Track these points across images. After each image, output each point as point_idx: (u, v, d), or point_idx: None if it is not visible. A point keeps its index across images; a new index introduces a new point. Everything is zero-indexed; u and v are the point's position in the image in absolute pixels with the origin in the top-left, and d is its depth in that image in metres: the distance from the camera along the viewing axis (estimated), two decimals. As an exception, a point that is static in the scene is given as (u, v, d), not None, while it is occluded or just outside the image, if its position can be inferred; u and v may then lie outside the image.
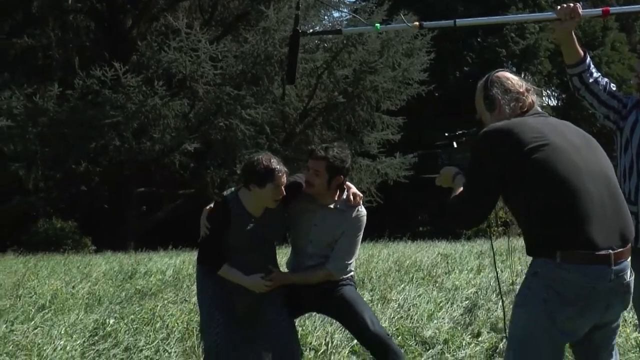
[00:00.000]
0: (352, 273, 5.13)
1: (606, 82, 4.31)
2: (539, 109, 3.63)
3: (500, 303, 7.98)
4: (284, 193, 4.68)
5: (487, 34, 33.82)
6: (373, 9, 22.77)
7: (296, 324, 6.97)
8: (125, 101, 20.44)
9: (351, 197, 5.00)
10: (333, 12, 26.28)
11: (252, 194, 4.70)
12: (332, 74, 22.84)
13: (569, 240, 3.21)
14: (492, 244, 4.66)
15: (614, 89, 4.36)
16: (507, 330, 3.49)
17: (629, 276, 3.33)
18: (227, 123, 21.30)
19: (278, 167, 4.66)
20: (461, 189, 3.58)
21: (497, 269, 9.94)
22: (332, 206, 4.95)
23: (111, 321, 7.21)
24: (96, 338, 6.64)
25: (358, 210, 5.03)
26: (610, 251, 3.23)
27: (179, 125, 21.56)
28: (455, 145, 3.99)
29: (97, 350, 6.20)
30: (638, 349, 5.97)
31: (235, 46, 22.27)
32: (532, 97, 3.61)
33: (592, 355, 3.50)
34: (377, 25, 4.32)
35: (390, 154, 24.41)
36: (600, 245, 3.21)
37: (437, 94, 27.72)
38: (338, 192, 4.98)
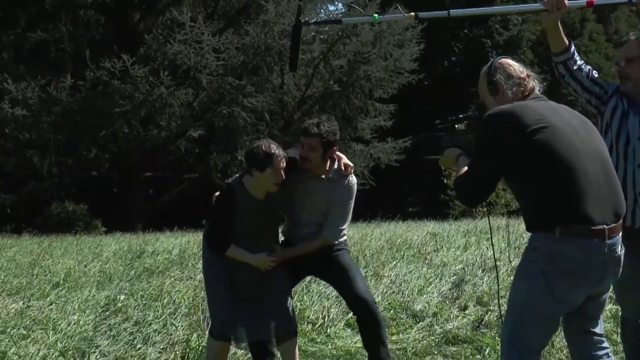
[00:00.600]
0: (345, 237, 5.14)
1: (589, 69, 4.32)
2: (539, 94, 3.66)
3: (485, 278, 8.01)
4: (284, 177, 4.68)
5: (473, 26, 33.78)
6: (367, 2, 22.71)
7: (295, 299, 7.01)
8: (133, 91, 20.44)
9: (342, 167, 5.02)
10: (329, 5, 26.20)
11: (254, 179, 4.71)
12: (328, 64, 22.83)
13: (568, 216, 3.26)
14: (489, 223, 4.67)
15: (596, 75, 4.36)
16: (508, 300, 3.52)
17: (620, 250, 3.38)
18: (229, 111, 21.31)
19: (277, 152, 4.65)
20: (465, 168, 3.61)
21: (487, 246, 9.93)
22: (324, 176, 4.96)
23: (121, 297, 7.22)
24: (107, 313, 6.64)
25: (349, 179, 5.05)
26: (605, 226, 3.28)
27: (183, 113, 21.56)
28: (457, 127, 4.00)
29: (108, 324, 6.21)
30: (613, 320, 6.00)
31: (237, 38, 22.23)
32: (532, 82, 3.65)
33: (583, 325, 3.55)
34: (375, 15, 4.32)
35: (382, 139, 24.44)
36: (596, 221, 3.26)
37: (426, 82, 27.68)
38: (329, 163, 4.99)
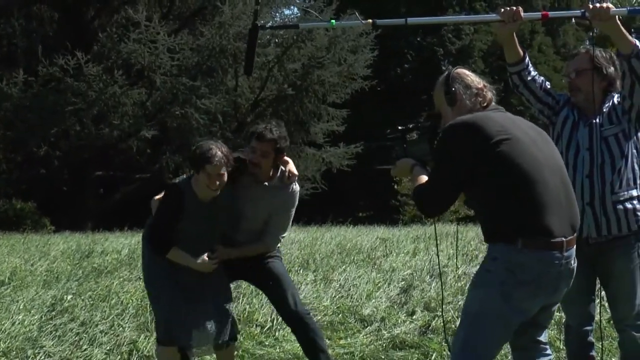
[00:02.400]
0: (279, 244, 5.08)
1: (542, 80, 4.37)
2: (496, 105, 3.67)
3: (433, 284, 8.05)
4: (218, 183, 4.51)
5: (426, 34, 34.03)
6: (323, 7, 22.75)
7: (244, 302, 6.97)
8: (86, 89, 20.21)
9: (287, 174, 4.91)
10: (284, 9, 26.17)
11: (197, 180, 4.57)
12: (283, 68, 22.81)
13: (530, 228, 3.28)
14: (435, 232, 4.67)
15: (549, 86, 4.41)
16: (462, 308, 3.53)
17: (574, 262, 3.40)
18: (182, 112, 21.17)
19: (216, 155, 4.47)
20: (423, 178, 3.60)
21: (435, 252, 10.02)
22: (267, 183, 4.85)
23: (68, 297, 7.10)
24: (53, 313, 6.53)
25: (292, 187, 4.95)
26: (563, 239, 3.31)
27: (136, 112, 21.36)
28: (408, 136, 3.97)
29: (54, 324, 6.10)
30: (556, 326, 6.07)
31: (192, 39, 22.08)
32: (490, 93, 3.65)
33: (532, 333, 3.57)
34: (332, 21, 4.27)
35: (334, 144, 24.49)
36: (556, 233, 3.28)
37: (379, 89, 27.79)
38: (273, 169, 4.90)
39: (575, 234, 3.41)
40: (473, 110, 3.56)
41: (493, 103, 3.65)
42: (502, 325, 3.37)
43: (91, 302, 6.96)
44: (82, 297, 7.15)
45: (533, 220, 3.28)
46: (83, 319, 6.27)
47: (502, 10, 4.02)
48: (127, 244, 12.26)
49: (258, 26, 4.27)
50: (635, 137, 4.23)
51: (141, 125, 21.16)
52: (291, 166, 4.98)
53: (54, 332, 5.92)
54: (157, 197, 4.80)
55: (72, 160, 22.34)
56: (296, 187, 5.00)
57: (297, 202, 5.00)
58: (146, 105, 21.67)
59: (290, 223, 5.04)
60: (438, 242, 4.61)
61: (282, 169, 4.94)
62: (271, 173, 4.88)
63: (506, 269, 3.28)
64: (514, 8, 3.99)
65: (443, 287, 4.85)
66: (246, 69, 5.26)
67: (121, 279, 8.21)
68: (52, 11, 23.89)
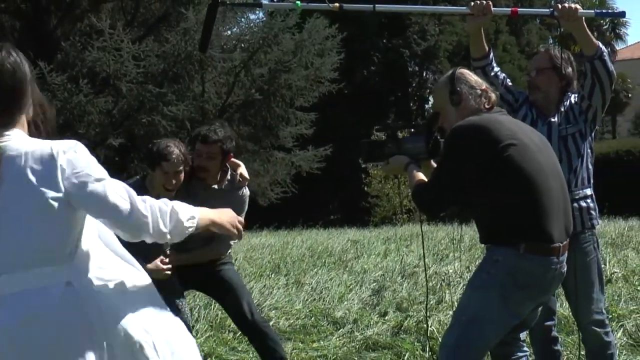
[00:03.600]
0: (230, 251, 5.01)
1: (504, 76, 4.43)
2: (499, 107, 3.70)
3: (405, 284, 8.09)
4: (174, 182, 4.39)
5: (392, 36, 34.18)
6: (288, 12, 22.72)
7: (216, 308, 6.95)
8: (51, 98, 19.98)
9: (239, 177, 4.82)
10: (250, 14, 26.08)
11: (151, 178, 4.43)
12: (249, 73, 22.74)
13: (533, 233, 3.32)
14: (422, 230, 4.69)
15: (510, 84, 4.47)
16: (457, 309, 3.54)
17: (565, 267, 3.47)
18: (149, 119, 21.02)
19: (174, 152, 4.34)
20: (419, 176, 3.61)
21: (406, 253, 10.04)
22: (216, 187, 4.76)
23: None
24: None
25: (243, 190, 4.85)
26: (560, 244, 3.35)
27: (103, 121, 21.18)
28: (399, 134, 3.97)
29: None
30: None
31: (157, 46, 21.95)
32: (494, 95, 3.67)
33: (516, 332, 3.63)
34: (298, 2, 4.21)
35: (303, 148, 24.48)
36: (555, 239, 3.33)
37: (346, 92, 27.86)
38: (221, 172, 4.80)
39: (568, 239, 3.46)
40: (477, 111, 3.57)
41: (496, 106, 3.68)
42: (498, 327, 3.40)
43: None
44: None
45: (536, 225, 3.31)
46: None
47: (473, 3, 4.06)
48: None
49: (218, 2, 4.18)
50: (589, 137, 4.32)
51: (108, 134, 21.01)
52: (243, 169, 4.88)
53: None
54: None
55: (39, 170, 22.10)
56: (246, 190, 4.89)
57: (246, 206, 4.87)
58: (112, 113, 21.50)
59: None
60: (424, 242, 4.63)
61: (232, 172, 4.84)
62: (219, 177, 4.78)
63: (507, 272, 3.31)
64: (484, 2, 4.04)
65: (427, 286, 4.86)
66: (202, 47, 5.14)
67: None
68: (13, 20, 23.61)
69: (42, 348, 2.36)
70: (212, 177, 4.76)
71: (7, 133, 2.58)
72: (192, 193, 4.66)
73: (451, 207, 3.65)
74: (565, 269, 3.48)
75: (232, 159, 4.86)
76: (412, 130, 3.95)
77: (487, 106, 3.62)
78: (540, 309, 3.63)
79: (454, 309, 3.64)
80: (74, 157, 2.62)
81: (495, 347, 3.73)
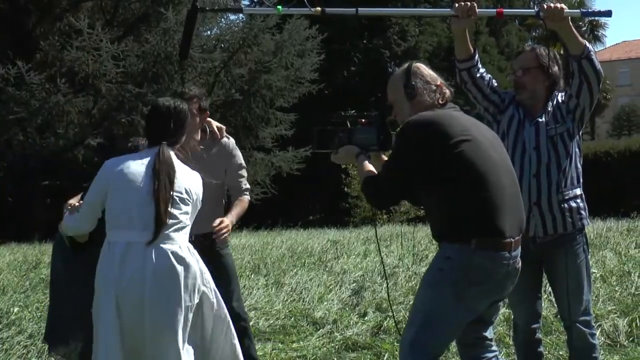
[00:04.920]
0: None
1: (489, 77, 4.40)
2: (452, 104, 3.69)
3: (384, 285, 8.09)
4: None
5: (372, 37, 34.21)
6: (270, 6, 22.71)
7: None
8: (29, 98, 19.88)
9: (216, 130, 4.80)
10: (229, 15, 26.02)
11: None
12: (229, 73, 22.71)
13: (484, 229, 3.32)
14: (376, 231, 4.70)
15: (495, 84, 4.45)
16: (413, 307, 3.54)
17: (519, 261, 3.46)
18: (129, 119, 20.95)
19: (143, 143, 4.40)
20: (368, 167, 3.62)
21: (386, 253, 10.07)
22: (199, 147, 4.69)
23: (15, 309, 6.98)
24: (0, 326, 6.41)
25: (225, 141, 4.83)
26: (512, 239, 3.35)
27: (82, 121, 21.09)
28: (349, 125, 3.96)
29: (1, 337, 5.99)
30: (506, 323, 6.15)
31: (137, 46, 21.87)
32: (448, 91, 3.66)
33: (477, 330, 3.61)
34: (279, 7, 4.18)
35: (283, 148, 24.46)
36: (507, 234, 3.34)
37: (326, 92, 27.87)
38: (200, 133, 4.76)
39: (521, 235, 3.47)
40: (431, 106, 3.57)
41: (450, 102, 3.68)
42: (453, 323, 3.41)
43: (39, 313, 6.85)
44: (30, 309, 7.03)
45: (488, 221, 3.32)
46: (31, 331, 6.16)
47: (457, 5, 4.04)
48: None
49: (197, 8, 4.13)
50: (577, 136, 4.32)
51: (87, 134, 20.90)
52: (216, 123, 4.87)
53: (1, 346, 5.81)
54: (72, 200, 4.56)
55: (17, 170, 21.93)
56: (229, 140, 4.87)
57: (239, 152, 4.89)
58: (92, 113, 21.40)
59: (245, 172, 4.92)
60: (379, 242, 4.64)
61: (208, 129, 4.81)
62: (200, 136, 4.75)
63: (459, 268, 3.31)
64: (469, 3, 4.02)
65: (388, 286, 4.86)
66: (182, 53, 5.12)
67: (70, 290, 8.08)
68: (-8, 20, 23.44)
69: None
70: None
71: None
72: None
73: (401, 200, 3.64)
74: (520, 264, 3.47)
75: (208, 118, 4.84)
76: (364, 121, 3.91)
77: (440, 102, 3.62)
78: (499, 305, 3.63)
79: (410, 307, 3.64)
80: None
81: (462, 349, 3.74)
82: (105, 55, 20.19)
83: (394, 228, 15.45)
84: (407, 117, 3.52)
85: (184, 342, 3.81)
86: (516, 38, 41.21)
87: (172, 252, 3.82)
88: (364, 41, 34.42)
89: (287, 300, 7.57)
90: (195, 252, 3.99)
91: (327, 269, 9.42)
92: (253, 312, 7.07)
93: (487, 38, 38.02)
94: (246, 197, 4.88)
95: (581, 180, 4.34)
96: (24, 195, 22.38)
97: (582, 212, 4.28)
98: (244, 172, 4.90)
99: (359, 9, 4.08)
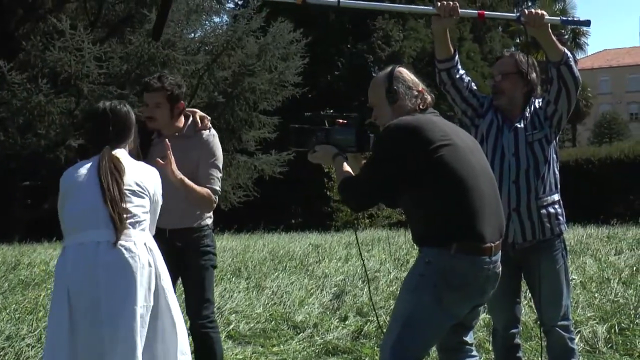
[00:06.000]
0: (210, 221, 4.78)
1: (469, 80, 4.41)
2: (432, 109, 3.69)
3: (365, 289, 8.09)
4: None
5: (357, 41, 34.26)
6: (252, 15, 22.72)
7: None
8: (11, 98, 19.76)
9: (198, 120, 4.71)
10: (214, 17, 25.99)
11: None
12: (213, 76, 22.67)
13: (464, 233, 3.32)
14: (357, 236, 4.70)
15: (475, 88, 4.46)
16: (393, 311, 3.54)
17: (499, 266, 3.47)
18: (111, 120, 20.84)
19: None
20: (345, 168, 3.62)
21: (367, 257, 10.06)
22: (178, 134, 4.62)
23: (-7, 311, 6.92)
24: (-23, 328, 6.35)
25: (206, 133, 4.71)
26: (492, 244, 3.36)
27: (64, 121, 20.96)
28: (326, 124, 3.96)
29: (-23, 340, 5.94)
30: (486, 328, 6.16)
31: (120, 47, 21.80)
32: (429, 97, 3.67)
33: (458, 335, 3.62)
34: None
35: (266, 152, 24.44)
36: (487, 238, 3.35)
37: (310, 96, 27.88)
38: (183, 120, 4.68)
39: (501, 239, 3.48)
40: (412, 111, 3.58)
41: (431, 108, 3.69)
42: (434, 328, 3.41)
43: (17, 315, 6.79)
44: (8, 311, 6.97)
45: (468, 226, 3.33)
46: (9, 333, 6.11)
47: (439, 4, 4.04)
48: (55, 255, 11.99)
49: None
50: (554, 142, 4.34)
51: (69, 135, 20.79)
52: (200, 113, 4.78)
53: (-22, 348, 5.76)
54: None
55: (-3, 170, 21.80)
56: (211, 132, 4.74)
57: (219, 147, 4.72)
58: (74, 114, 21.29)
59: (220, 173, 4.71)
60: (359, 245, 4.64)
61: (193, 118, 4.73)
62: (181, 124, 4.67)
63: (439, 273, 3.32)
64: (451, 3, 4.02)
65: (370, 289, 4.85)
66: (155, 34, 5.06)
67: (49, 291, 8.02)
68: (-26, 19, 23.29)
69: None
70: (164, 126, 4.62)
71: None
72: (158, 148, 4.56)
73: (377, 203, 3.64)
74: (500, 269, 3.48)
75: (188, 109, 4.75)
76: (342, 121, 3.91)
77: (421, 107, 3.62)
78: (479, 309, 3.64)
79: (391, 312, 3.64)
80: None
81: (442, 354, 3.75)
82: (87, 56, 20.11)
83: (376, 232, 15.46)
84: (387, 120, 3.53)
85: (141, 344, 3.71)
86: (499, 45, 41.41)
87: (126, 249, 3.70)
88: (348, 45, 34.47)
89: (267, 303, 7.55)
90: (154, 248, 3.86)
91: (308, 273, 9.40)
92: (234, 315, 7.05)
93: (470, 44, 38.17)
94: (211, 193, 4.61)
95: (559, 186, 4.36)
96: (4, 195, 22.24)
97: (560, 217, 4.31)
98: (215, 172, 4.66)
99: (341, 1, 4.03)
